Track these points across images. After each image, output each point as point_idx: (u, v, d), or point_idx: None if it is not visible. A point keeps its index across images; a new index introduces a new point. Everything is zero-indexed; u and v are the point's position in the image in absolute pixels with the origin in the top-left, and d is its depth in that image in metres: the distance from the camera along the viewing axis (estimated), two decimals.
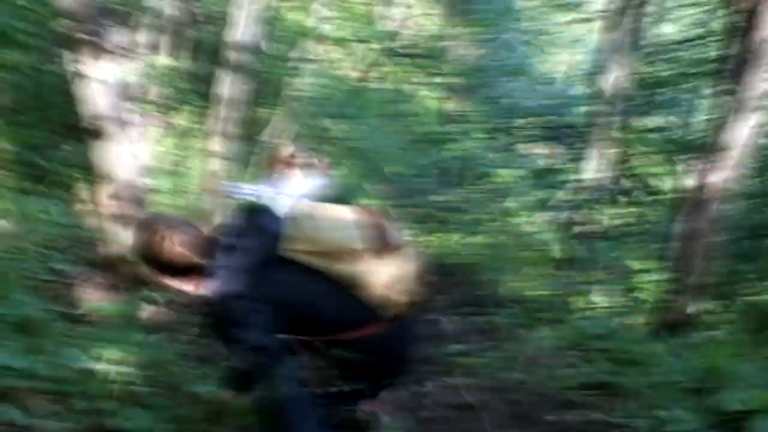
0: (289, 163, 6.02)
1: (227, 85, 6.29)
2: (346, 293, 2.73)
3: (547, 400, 3.78)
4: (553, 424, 3.44)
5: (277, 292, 2.70)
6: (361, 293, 2.74)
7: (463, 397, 3.90)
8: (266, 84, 13.06)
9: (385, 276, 2.75)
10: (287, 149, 6.18)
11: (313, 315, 2.72)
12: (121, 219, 4.99)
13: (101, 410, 2.29)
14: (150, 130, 8.37)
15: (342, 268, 2.74)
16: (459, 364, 4.59)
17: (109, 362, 2.54)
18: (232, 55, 6.25)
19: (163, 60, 8.48)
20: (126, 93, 7.42)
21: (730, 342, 5.28)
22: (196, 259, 2.79)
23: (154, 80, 8.34)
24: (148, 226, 2.86)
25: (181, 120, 9.13)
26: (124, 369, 2.56)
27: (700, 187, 5.34)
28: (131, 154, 5.05)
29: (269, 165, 6.10)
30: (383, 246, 2.81)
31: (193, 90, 9.79)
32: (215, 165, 6.32)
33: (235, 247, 2.76)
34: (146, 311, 4.73)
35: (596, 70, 7.56)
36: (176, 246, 2.77)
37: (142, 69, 7.84)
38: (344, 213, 2.93)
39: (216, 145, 6.32)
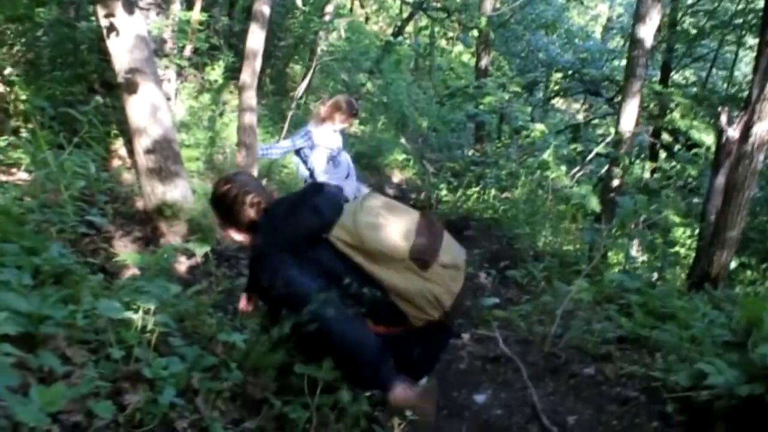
0: (336, 115, 6.04)
1: (260, 41, 6.23)
2: (377, 293, 2.65)
3: (584, 353, 3.75)
4: (591, 377, 3.41)
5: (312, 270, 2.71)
6: (393, 299, 2.68)
7: (499, 349, 3.88)
8: (300, 39, 13.00)
9: (423, 292, 2.67)
10: (338, 100, 6.13)
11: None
12: (157, 173, 5.00)
13: (138, 359, 2.30)
14: (183, 85, 8.38)
15: (378, 270, 2.69)
16: (495, 317, 4.57)
17: (146, 313, 2.55)
18: (264, 10, 6.18)
19: (197, 15, 8.43)
20: (159, 48, 7.45)
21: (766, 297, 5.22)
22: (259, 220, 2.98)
23: (187, 35, 8.31)
24: (227, 182, 3.07)
25: (215, 75, 9.12)
26: (159, 319, 2.57)
27: (742, 139, 5.23)
28: (165, 108, 5.05)
29: (321, 115, 6.08)
30: (429, 261, 2.70)
31: (226, 45, 9.76)
32: (249, 119, 6.29)
33: (286, 222, 2.85)
34: (182, 263, 4.77)
35: (635, 22, 7.38)
36: (246, 206, 2.99)
37: (175, 24, 7.81)
38: (402, 215, 2.85)
39: (249, 99, 6.29)
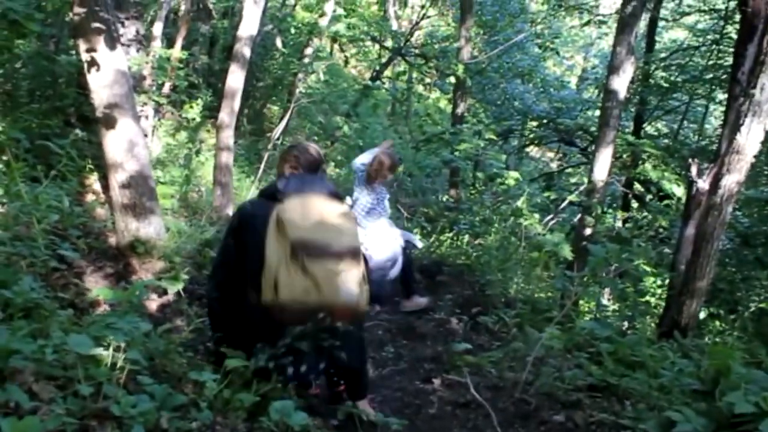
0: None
1: (239, 81, 6.28)
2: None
3: (554, 400, 3.75)
4: (561, 424, 3.41)
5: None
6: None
7: (470, 395, 3.87)
8: (278, 80, 13.09)
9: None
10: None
11: None
12: (131, 209, 4.99)
13: (106, 396, 2.28)
14: (161, 122, 8.39)
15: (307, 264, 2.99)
16: (466, 363, 4.57)
17: (116, 350, 2.53)
18: (244, 48, 6.24)
19: (177, 53, 8.48)
20: (138, 84, 7.46)
21: (734, 347, 5.26)
22: None
23: (166, 73, 8.34)
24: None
25: (193, 113, 9.14)
26: (129, 356, 2.55)
27: (712, 191, 5.32)
28: (142, 144, 5.05)
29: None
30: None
31: (205, 84, 9.81)
32: (225, 159, 6.31)
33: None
34: (153, 301, 4.73)
35: (609, 73, 7.53)
36: None
37: (155, 61, 7.84)
38: (330, 211, 3.19)
39: (226, 139, 6.31)
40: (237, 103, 6.30)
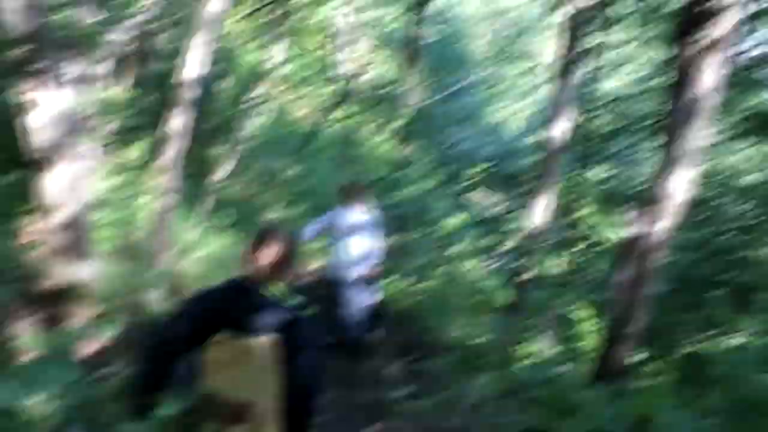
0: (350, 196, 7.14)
1: (179, 122, 6.27)
2: None
3: None
4: None
5: None
6: None
7: None
8: (222, 122, 13.05)
9: None
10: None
11: None
12: (67, 252, 4.92)
13: None
14: (99, 163, 8.30)
15: None
16: (402, 409, 4.57)
17: (42, 400, 2.48)
18: (186, 92, 6.25)
19: (116, 93, 8.43)
20: (75, 125, 7.39)
21: (666, 391, 5.36)
22: None
23: (110, 113, 8.28)
24: None
25: (131, 154, 9.06)
26: (57, 407, 2.50)
27: (641, 238, 5.45)
28: (77, 187, 5.00)
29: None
30: None
31: (144, 124, 9.74)
32: (167, 202, 6.28)
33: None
34: (82, 346, 4.66)
35: (544, 121, 7.71)
36: None
37: (94, 101, 7.79)
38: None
39: (168, 182, 6.28)
40: (179, 147, 6.28)
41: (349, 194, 7.26)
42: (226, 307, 3.25)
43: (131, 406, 3.35)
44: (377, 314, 7.72)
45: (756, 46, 11.72)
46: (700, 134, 5.08)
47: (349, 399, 5.40)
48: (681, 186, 5.17)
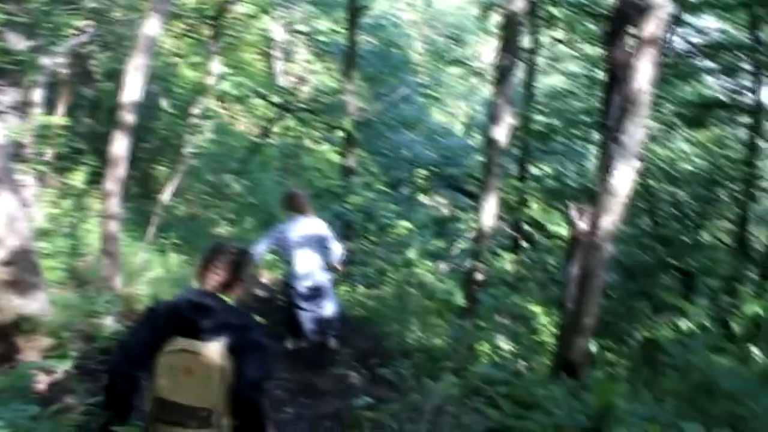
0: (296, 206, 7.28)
1: (124, 147, 6.21)
2: None
3: None
4: None
5: None
6: None
7: None
8: (164, 141, 12.93)
9: None
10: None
11: None
12: (13, 285, 4.83)
13: None
14: (43, 191, 8.16)
15: None
16: (366, 418, 4.58)
17: None
18: (128, 114, 6.19)
19: (57, 119, 8.29)
20: (18, 153, 7.27)
21: (625, 379, 5.45)
22: None
23: (47, 140, 8.15)
24: None
25: (76, 180, 8.93)
26: None
27: (591, 231, 5.54)
28: (22, 218, 4.91)
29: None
30: None
31: (88, 149, 9.61)
32: (112, 227, 6.20)
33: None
34: (41, 381, 4.58)
35: (489, 120, 7.79)
36: None
37: (35, 128, 7.66)
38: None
39: (112, 207, 6.21)
40: (122, 171, 6.21)
41: (293, 204, 7.35)
42: (182, 315, 3.34)
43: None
44: (335, 322, 7.77)
45: (686, 37, 12.02)
46: (638, 128, 5.18)
47: (313, 409, 5.40)
48: (623, 180, 5.27)
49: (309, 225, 7.25)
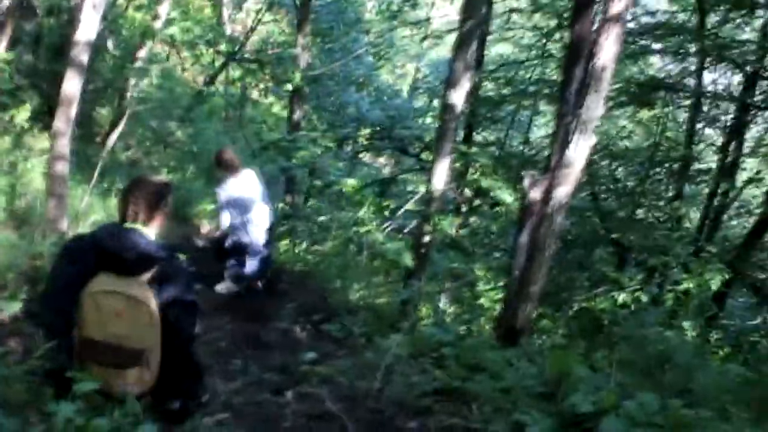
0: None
1: (76, 84, 6.04)
2: None
3: (406, 407, 3.86)
4: (415, 431, 3.52)
5: None
6: None
7: (323, 407, 3.91)
8: (109, 83, 12.61)
9: None
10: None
11: None
12: None
13: None
14: None
15: None
16: (316, 373, 4.61)
17: None
18: (82, 53, 6.01)
19: (2, 54, 8.02)
20: None
21: (568, 346, 5.59)
22: None
23: None
24: None
25: (19, 117, 8.67)
26: None
27: (544, 203, 5.63)
28: None
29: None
30: None
31: (30, 85, 9.32)
32: (60, 168, 6.05)
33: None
34: None
35: (447, 88, 7.79)
36: None
37: None
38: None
39: (62, 147, 6.05)
40: (73, 111, 6.05)
41: (227, 164, 7.58)
42: (104, 249, 3.33)
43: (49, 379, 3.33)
44: (273, 274, 7.90)
45: (637, 16, 12.19)
46: (598, 104, 5.25)
47: (260, 361, 5.41)
48: (577, 154, 5.34)
49: (244, 182, 7.51)
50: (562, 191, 5.48)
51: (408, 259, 7.23)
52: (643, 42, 12.10)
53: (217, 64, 16.36)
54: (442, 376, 4.35)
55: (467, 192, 10.31)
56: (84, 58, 6.03)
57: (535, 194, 5.87)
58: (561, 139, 5.61)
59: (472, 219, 11.52)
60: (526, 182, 6.09)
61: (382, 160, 21.92)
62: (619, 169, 13.05)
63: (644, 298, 8.09)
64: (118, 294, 3.29)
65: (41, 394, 3.19)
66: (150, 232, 3.53)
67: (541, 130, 16.51)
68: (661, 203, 12.30)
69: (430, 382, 4.27)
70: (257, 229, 7.53)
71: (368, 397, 4.02)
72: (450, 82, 7.53)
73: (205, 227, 13.32)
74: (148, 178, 3.80)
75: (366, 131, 16.20)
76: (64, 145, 6.04)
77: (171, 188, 3.76)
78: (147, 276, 3.36)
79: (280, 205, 12.13)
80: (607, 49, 5.19)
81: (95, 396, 3.06)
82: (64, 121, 6.00)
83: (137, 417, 3.07)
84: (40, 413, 2.78)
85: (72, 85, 5.98)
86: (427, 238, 7.68)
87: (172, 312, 3.42)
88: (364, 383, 4.33)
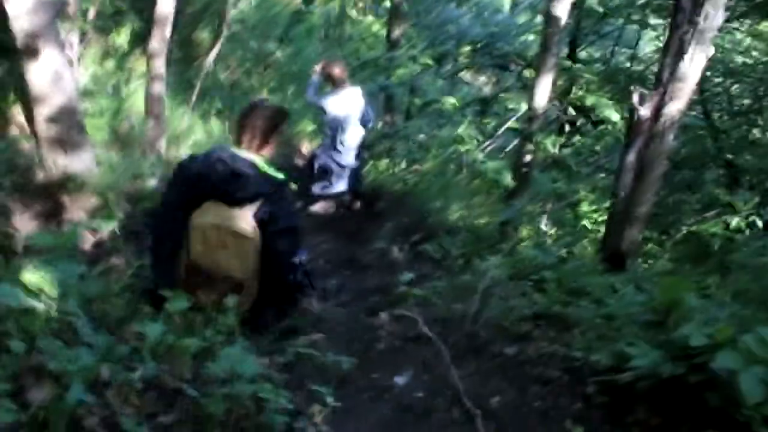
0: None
1: (170, 6, 5.99)
2: None
3: (504, 332, 3.72)
4: (513, 357, 3.38)
5: None
6: None
7: (418, 329, 3.81)
8: (208, 5, 12.61)
9: None
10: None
11: None
12: (59, 143, 4.74)
13: (42, 351, 2.13)
14: (87, 50, 7.99)
15: None
16: (412, 294, 4.50)
17: (49, 298, 2.37)
18: None
19: None
20: (62, 10, 7.06)
21: (676, 272, 5.30)
22: None
23: None
24: None
25: (120, 40, 8.73)
26: (64, 306, 2.39)
27: (654, 119, 5.29)
28: (63, 76, 4.76)
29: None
30: None
31: (132, 9, 9.34)
32: (157, 88, 6.05)
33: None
34: (87, 240, 4.55)
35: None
36: None
37: None
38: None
39: (158, 68, 6.04)
40: (168, 30, 6.02)
41: (333, 76, 7.49)
42: (214, 181, 3.46)
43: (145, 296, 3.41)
44: (371, 194, 7.86)
45: None
46: (718, 12, 4.84)
47: (357, 282, 5.36)
48: (692, 68, 4.97)
49: (348, 98, 7.40)
50: (674, 107, 5.13)
51: (508, 179, 7.00)
52: None
53: None
54: (542, 301, 4.18)
55: (571, 110, 9.87)
56: None
57: (645, 111, 5.50)
58: (675, 50, 5.21)
59: (577, 138, 11.08)
60: (635, 98, 5.72)
61: (483, 78, 21.41)
62: (735, 86, 12.25)
63: (759, 223, 7.63)
64: (224, 228, 3.43)
65: (138, 311, 3.22)
66: (261, 158, 3.61)
67: (649, 45, 15.67)
68: None
69: (530, 306, 4.11)
70: (347, 151, 7.46)
71: (465, 320, 3.88)
72: None
73: (306, 146, 13.35)
74: (264, 104, 3.87)
75: (466, 48, 15.76)
76: (160, 65, 6.04)
77: (286, 115, 3.88)
78: (254, 207, 3.47)
79: (380, 124, 12.01)
80: None
81: (190, 313, 3.10)
82: (158, 41, 5.98)
83: (231, 335, 3.09)
84: (134, 331, 2.76)
85: (165, 4, 5.92)
86: (528, 158, 7.41)
87: (276, 243, 3.55)
88: (461, 306, 4.19)
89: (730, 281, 4.82)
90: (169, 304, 2.94)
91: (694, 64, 4.96)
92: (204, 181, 3.46)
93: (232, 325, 3.11)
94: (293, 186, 3.95)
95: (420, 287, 4.73)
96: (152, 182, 5.72)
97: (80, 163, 4.81)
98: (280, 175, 3.66)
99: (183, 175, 3.61)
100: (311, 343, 3.58)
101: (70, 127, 4.71)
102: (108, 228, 4.45)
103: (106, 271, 3.78)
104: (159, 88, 6.06)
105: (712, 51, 5.06)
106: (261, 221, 3.51)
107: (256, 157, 3.60)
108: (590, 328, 3.60)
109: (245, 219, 3.44)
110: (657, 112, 5.26)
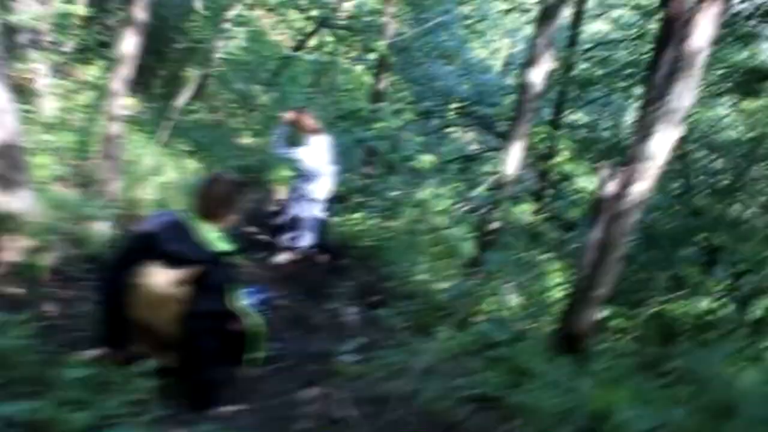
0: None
1: (134, 46, 5.87)
2: None
3: (436, 417, 3.52)
4: None
5: None
6: None
7: (346, 409, 3.60)
8: (197, 43, 12.54)
9: None
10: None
11: None
12: None
13: None
14: (58, 82, 7.86)
15: None
16: (347, 369, 4.32)
17: None
18: (140, 15, 5.83)
19: (79, 8, 7.89)
20: (36, 41, 6.97)
21: (628, 377, 5.08)
22: None
23: (66, 30, 7.80)
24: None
25: (95, 74, 8.61)
26: None
27: (615, 197, 5.16)
28: (10, 111, 4.60)
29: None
30: None
31: (104, 44, 9.21)
32: (115, 129, 5.90)
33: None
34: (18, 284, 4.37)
35: (528, 61, 7.32)
36: None
37: (54, 16, 7.33)
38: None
39: (117, 108, 5.90)
40: (129, 70, 5.88)
41: (303, 124, 7.43)
42: (154, 243, 3.56)
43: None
44: (338, 249, 7.71)
45: None
46: (688, 91, 4.75)
47: (300, 346, 5.18)
48: (662, 145, 4.86)
49: (319, 148, 7.30)
50: (640, 186, 5.00)
51: (468, 249, 6.86)
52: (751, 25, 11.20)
53: (308, 28, 16.15)
54: (489, 380, 4.00)
55: (545, 178, 9.78)
56: (141, 16, 5.85)
57: (611, 188, 5.37)
58: (644, 129, 5.10)
59: (546, 207, 10.97)
60: (604, 173, 5.60)
61: (472, 134, 21.39)
62: (717, 160, 12.19)
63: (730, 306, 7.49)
64: (157, 287, 3.53)
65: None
66: (214, 228, 3.71)
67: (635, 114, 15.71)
68: (762, 198, 11.44)
69: (472, 386, 3.92)
70: (316, 202, 7.36)
71: (399, 402, 3.68)
72: (529, 60, 7.07)
73: (281, 193, 13.19)
74: (223, 178, 3.98)
75: (453, 105, 15.73)
76: (119, 105, 5.89)
77: (246, 189, 3.99)
78: (191, 271, 3.54)
79: (357, 176, 11.87)
80: (703, 31, 4.67)
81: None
82: (120, 80, 5.84)
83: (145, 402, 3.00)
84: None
85: (129, 44, 5.81)
86: (495, 225, 7.27)
87: (197, 302, 3.56)
88: (401, 383, 4.00)
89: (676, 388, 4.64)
90: (68, 369, 2.78)
91: (661, 143, 4.85)
92: (146, 244, 3.57)
93: (149, 388, 3.02)
94: (237, 258, 3.82)
95: (365, 356, 4.55)
96: (101, 225, 5.52)
97: (17, 201, 4.62)
98: (227, 247, 3.68)
99: (131, 235, 3.81)
100: (230, 417, 3.41)
101: (9, 166, 4.53)
102: (42, 272, 4.29)
103: (32, 319, 3.62)
104: (116, 128, 5.91)
105: (680, 132, 4.95)
106: (194, 284, 3.56)
107: (208, 226, 3.68)
108: (529, 420, 3.43)
109: (179, 282, 3.53)
110: (622, 190, 5.13)
